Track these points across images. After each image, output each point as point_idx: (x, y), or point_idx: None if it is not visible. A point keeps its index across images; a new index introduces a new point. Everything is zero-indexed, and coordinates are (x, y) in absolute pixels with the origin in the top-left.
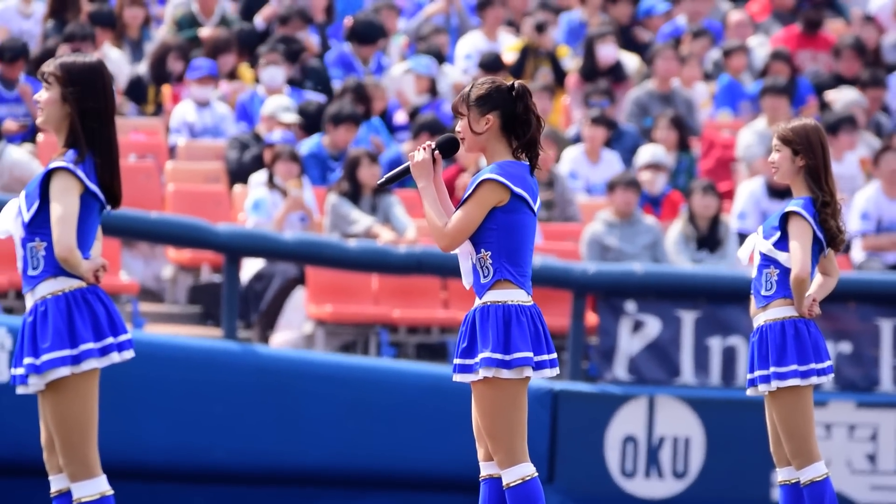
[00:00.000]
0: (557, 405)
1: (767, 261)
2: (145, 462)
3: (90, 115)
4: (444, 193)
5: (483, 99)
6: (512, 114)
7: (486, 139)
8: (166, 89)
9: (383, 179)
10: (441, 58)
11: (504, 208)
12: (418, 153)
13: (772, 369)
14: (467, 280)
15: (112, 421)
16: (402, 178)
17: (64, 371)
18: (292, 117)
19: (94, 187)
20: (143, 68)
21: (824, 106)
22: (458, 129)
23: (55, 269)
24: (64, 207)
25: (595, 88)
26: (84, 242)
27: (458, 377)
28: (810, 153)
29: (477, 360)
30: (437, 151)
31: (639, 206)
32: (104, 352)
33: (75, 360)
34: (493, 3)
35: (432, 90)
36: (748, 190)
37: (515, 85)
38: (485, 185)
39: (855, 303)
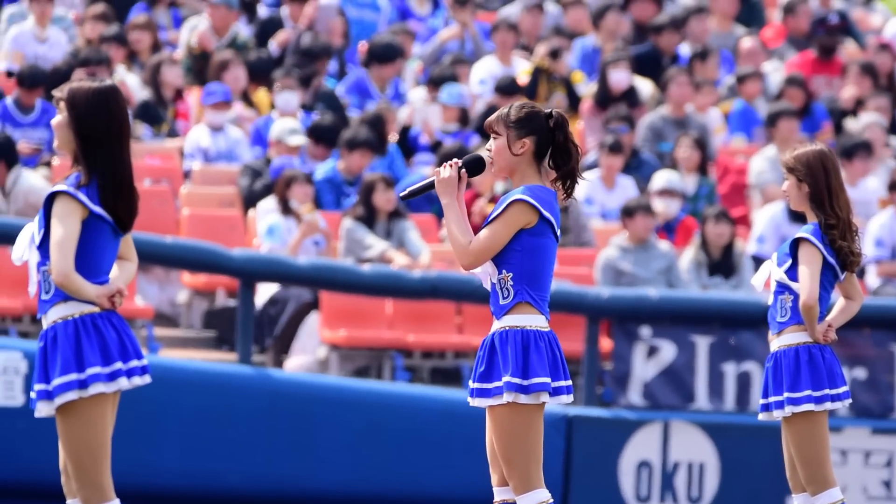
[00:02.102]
0: (572, 430)
1: (782, 287)
2: (160, 486)
3: (93, 139)
4: (464, 213)
5: (522, 122)
6: (547, 141)
7: (517, 162)
8: (191, 98)
9: (406, 192)
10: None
11: (531, 231)
12: (445, 170)
13: (786, 395)
14: (487, 283)
15: (127, 445)
16: (426, 193)
17: (71, 395)
18: (299, 139)
19: (98, 210)
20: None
21: (840, 130)
22: (488, 147)
23: (65, 293)
24: (61, 232)
25: (615, 114)
26: (97, 267)
27: (474, 402)
28: (810, 178)
29: (497, 384)
30: (463, 170)
31: (653, 230)
32: (112, 377)
33: (82, 384)
34: (502, 27)
35: (462, 119)
36: (769, 214)
37: (553, 113)
38: (515, 205)
39: (870, 329)
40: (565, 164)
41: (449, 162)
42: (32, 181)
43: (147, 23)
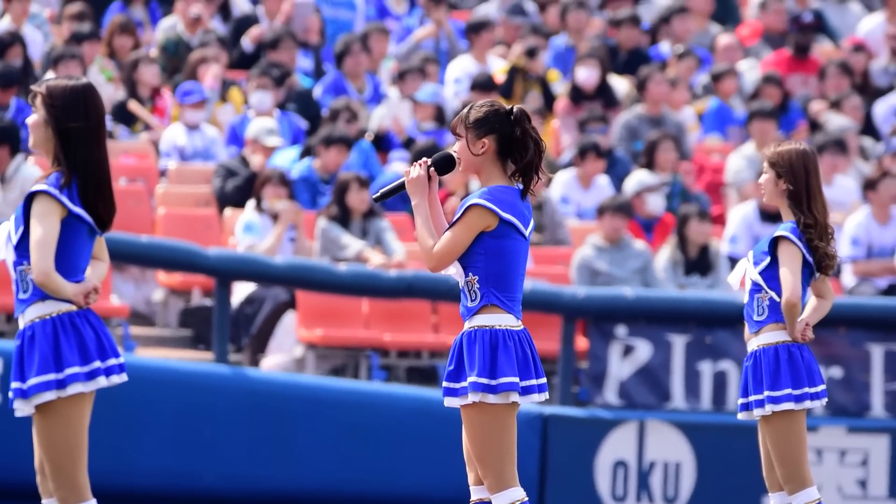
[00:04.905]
0: (547, 429)
1: (758, 286)
2: (136, 486)
3: (73, 137)
4: (439, 211)
5: (480, 122)
6: (509, 138)
7: (481, 162)
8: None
9: (378, 194)
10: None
11: (492, 233)
12: (414, 169)
13: (766, 393)
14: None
15: (103, 444)
16: (397, 194)
17: (49, 395)
18: (276, 140)
19: (77, 210)
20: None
21: (815, 128)
22: (454, 149)
23: (43, 292)
24: (41, 232)
25: (591, 115)
26: (74, 266)
27: (446, 401)
28: (791, 177)
29: (463, 384)
30: (432, 168)
31: (637, 229)
32: (91, 376)
33: (60, 384)
34: (485, 28)
35: (438, 118)
36: (740, 214)
37: (514, 109)
38: (472, 210)
39: (846, 328)
40: (521, 159)
41: (418, 161)
42: (33, 172)
43: (126, 24)
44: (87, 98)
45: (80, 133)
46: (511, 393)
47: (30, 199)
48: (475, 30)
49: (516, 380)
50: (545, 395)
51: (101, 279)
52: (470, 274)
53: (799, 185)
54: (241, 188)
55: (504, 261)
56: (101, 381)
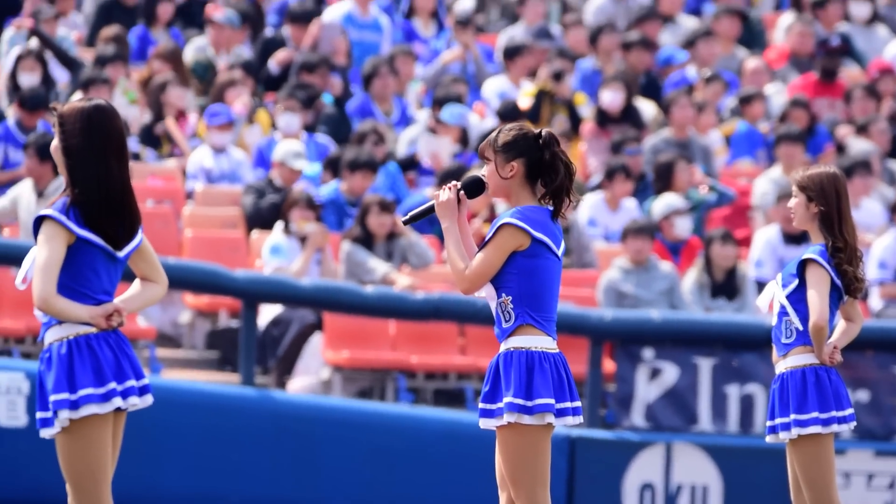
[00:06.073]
0: (575, 452)
1: (786, 309)
2: None
3: (76, 158)
4: (468, 234)
5: (509, 146)
6: (538, 161)
7: (510, 185)
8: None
9: (408, 217)
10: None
11: (524, 253)
12: (443, 192)
13: (792, 416)
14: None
15: (129, 466)
16: (426, 216)
17: (63, 415)
18: (302, 164)
19: (84, 234)
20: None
21: (841, 151)
22: (483, 172)
23: None
24: (43, 258)
25: (624, 136)
26: (93, 288)
27: (482, 422)
28: (823, 200)
29: (499, 405)
30: (462, 192)
31: (664, 251)
32: (106, 398)
33: (73, 405)
34: (519, 53)
35: (463, 140)
36: (764, 237)
37: (542, 132)
38: (504, 229)
39: (873, 351)
40: (552, 182)
41: (448, 185)
42: None
43: (173, 51)
44: (93, 118)
45: (82, 153)
46: (546, 414)
47: (37, 223)
48: (509, 55)
49: (552, 401)
50: (580, 419)
51: (150, 301)
52: (503, 294)
53: (830, 208)
54: (277, 205)
55: (537, 280)
56: (117, 403)
